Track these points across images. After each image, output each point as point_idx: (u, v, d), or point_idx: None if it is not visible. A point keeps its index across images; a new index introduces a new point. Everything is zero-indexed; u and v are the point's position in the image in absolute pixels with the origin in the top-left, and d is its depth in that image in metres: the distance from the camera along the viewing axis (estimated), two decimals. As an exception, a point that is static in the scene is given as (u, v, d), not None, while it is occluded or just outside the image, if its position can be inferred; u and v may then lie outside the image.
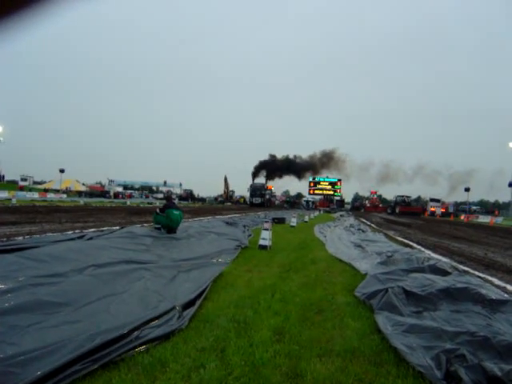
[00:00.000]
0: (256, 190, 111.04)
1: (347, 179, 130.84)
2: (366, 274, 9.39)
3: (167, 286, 7.29)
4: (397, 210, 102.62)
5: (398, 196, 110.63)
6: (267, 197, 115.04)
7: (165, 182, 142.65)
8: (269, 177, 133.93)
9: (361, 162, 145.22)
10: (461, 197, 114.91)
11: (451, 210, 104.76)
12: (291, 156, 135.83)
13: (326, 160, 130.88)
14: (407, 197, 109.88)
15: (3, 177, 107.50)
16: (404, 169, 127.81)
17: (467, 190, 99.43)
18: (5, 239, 12.12)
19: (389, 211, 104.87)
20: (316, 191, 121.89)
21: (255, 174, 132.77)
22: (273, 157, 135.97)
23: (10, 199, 52.09)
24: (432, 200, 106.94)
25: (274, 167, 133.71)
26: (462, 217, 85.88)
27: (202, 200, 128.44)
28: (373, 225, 36.65)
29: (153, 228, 15.25)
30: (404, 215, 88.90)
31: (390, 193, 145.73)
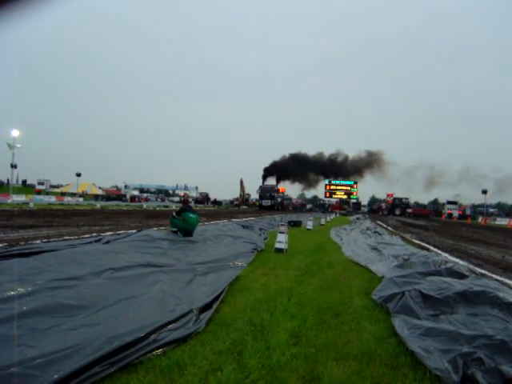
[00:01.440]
0: (265, 192, 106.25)
1: (391, 184, 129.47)
2: (382, 277, 9.37)
3: (184, 289, 7.32)
4: (397, 212, 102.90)
5: (396, 198, 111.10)
6: (278, 199, 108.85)
7: (185, 186, 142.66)
8: (281, 178, 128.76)
9: (406, 165, 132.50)
10: (478, 199, 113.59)
11: (468, 212, 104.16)
12: (312, 154, 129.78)
13: (371, 162, 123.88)
14: (405, 198, 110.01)
15: (25, 181, 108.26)
16: (449, 172, 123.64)
17: (484, 192, 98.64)
18: (23, 243, 12.21)
19: (385, 213, 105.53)
20: (332, 194, 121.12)
21: (265, 177, 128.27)
22: (291, 156, 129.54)
23: (28, 203, 52.42)
24: (449, 202, 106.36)
25: (289, 167, 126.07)
26: (480, 219, 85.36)
27: (218, 203, 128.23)
28: (389, 227, 36.47)
29: (169, 231, 15.28)
30: (402, 216, 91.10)
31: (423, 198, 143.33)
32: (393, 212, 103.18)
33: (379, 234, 24.79)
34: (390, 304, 6.98)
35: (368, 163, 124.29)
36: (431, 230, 36.76)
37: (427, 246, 19.62)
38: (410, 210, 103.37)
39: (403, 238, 22.81)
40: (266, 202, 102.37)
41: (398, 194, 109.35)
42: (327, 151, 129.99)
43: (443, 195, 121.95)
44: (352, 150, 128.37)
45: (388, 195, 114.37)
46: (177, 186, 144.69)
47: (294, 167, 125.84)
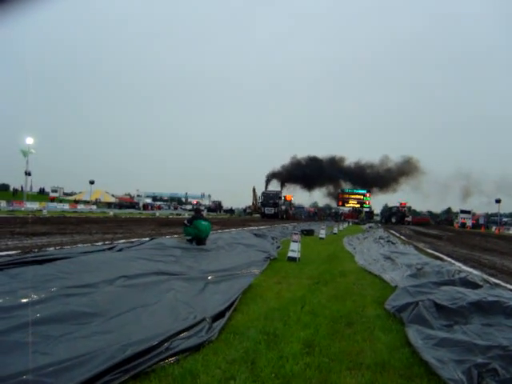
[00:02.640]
0: (268, 199, 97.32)
1: (425, 196, 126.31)
2: (395, 287, 9.33)
3: (197, 297, 7.32)
4: (393, 220, 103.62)
5: (393, 206, 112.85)
6: (282, 207, 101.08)
7: (203, 195, 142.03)
8: (286, 184, 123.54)
9: (438, 174, 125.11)
10: (492, 208, 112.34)
11: (482, 221, 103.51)
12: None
13: (405, 170, 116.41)
14: (402, 207, 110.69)
15: (43, 189, 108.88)
16: (486, 181, 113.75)
17: (498, 201, 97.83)
18: (37, 250, 12.27)
19: (383, 221, 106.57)
20: (345, 203, 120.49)
21: (268, 182, 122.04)
22: (310, 159, 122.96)
23: (41, 210, 52.68)
24: (462, 212, 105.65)
25: (305, 172, 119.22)
26: (493, 228, 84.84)
27: (231, 211, 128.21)
28: (402, 237, 36.38)
29: (183, 240, 15.29)
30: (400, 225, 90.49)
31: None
32: (390, 220, 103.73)
33: (392, 243, 24.72)
34: (403, 314, 6.95)
35: (403, 171, 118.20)
36: (444, 240, 36.64)
37: (441, 255, 19.56)
38: (409, 219, 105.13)
39: (416, 248, 22.72)
40: (269, 210, 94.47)
41: (431, 205, 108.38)
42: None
43: (477, 205, 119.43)
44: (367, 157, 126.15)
45: (401, 204, 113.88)
46: (186, 194, 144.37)
47: (312, 171, 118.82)
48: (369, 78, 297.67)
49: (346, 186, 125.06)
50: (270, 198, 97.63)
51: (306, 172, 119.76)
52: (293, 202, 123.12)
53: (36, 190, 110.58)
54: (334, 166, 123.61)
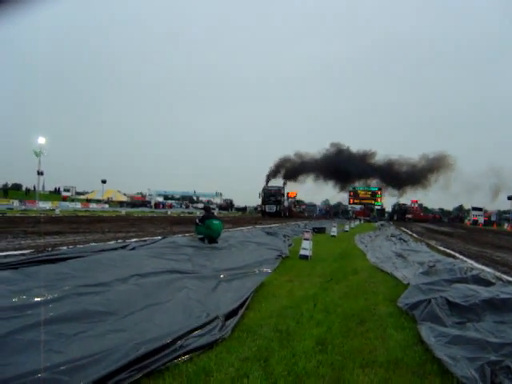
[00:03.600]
0: (270, 196, 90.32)
1: (454, 195, 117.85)
2: (408, 284, 9.31)
3: (209, 295, 7.34)
4: (394, 217, 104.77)
5: (396, 204, 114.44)
6: (285, 204, 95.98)
7: (217, 193, 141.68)
8: (291, 178, 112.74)
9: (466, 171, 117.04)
10: (504, 205, 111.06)
11: (494, 218, 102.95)
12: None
13: (434, 166, 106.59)
14: (403, 204, 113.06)
15: (58, 189, 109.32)
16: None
17: (510, 198, 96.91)
18: (50, 249, 12.33)
19: (388, 218, 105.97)
20: (356, 200, 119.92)
21: (269, 177, 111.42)
22: (337, 152, 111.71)
23: (54, 209, 52.88)
24: (474, 209, 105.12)
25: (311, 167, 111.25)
26: (506, 226, 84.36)
27: (243, 209, 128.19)
28: (414, 234, 36.27)
29: (195, 238, 15.33)
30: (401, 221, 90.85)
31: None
32: (393, 218, 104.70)
33: (404, 241, 24.67)
34: (415, 311, 6.94)
35: (431, 168, 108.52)
36: (456, 237, 36.50)
37: (452, 252, 19.50)
38: (409, 216, 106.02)
39: (428, 245, 22.66)
40: (271, 208, 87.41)
41: (446, 202, 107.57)
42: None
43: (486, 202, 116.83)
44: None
45: (412, 201, 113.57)
46: (194, 192, 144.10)
47: (341, 164, 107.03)
48: (391, 76, 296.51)
49: (375, 184, 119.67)
50: (272, 195, 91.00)
51: (335, 165, 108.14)
52: (298, 198, 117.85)
53: (49, 189, 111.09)
54: (363, 160, 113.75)
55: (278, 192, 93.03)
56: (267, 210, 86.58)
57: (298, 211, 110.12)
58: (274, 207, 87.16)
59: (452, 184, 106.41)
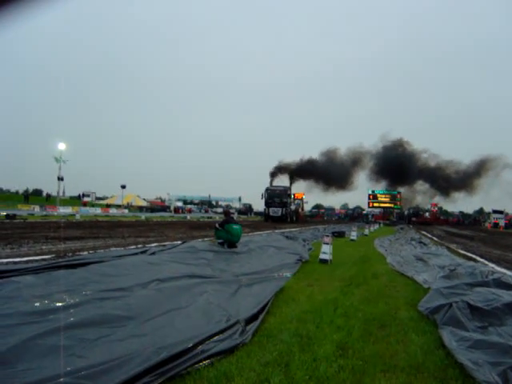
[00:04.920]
0: (274, 197, 75.19)
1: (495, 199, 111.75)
2: (428, 288, 9.27)
3: (229, 300, 7.35)
4: (406, 221, 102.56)
5: (410, 208, 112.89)
6: (292, 207, 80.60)
7: (240, 199, 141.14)
8: (300, 178, 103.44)
9: None
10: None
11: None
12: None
13: (482, 170, 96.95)
14: (417, 208, 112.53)
15: (83, 195, 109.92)
16: None
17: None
18: (70, 254, 12.41)
19: (394, 220, 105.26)
20: (375, 204, 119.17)
21: (275, 174, 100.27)
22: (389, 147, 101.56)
23: (74, 215, 53.20)
24: (495, 211, 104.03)
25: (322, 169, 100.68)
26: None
27: (262, 214, 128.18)
28: (434, 238, 36.06)
29: (215, 243, 15.37)
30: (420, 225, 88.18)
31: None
32: (409, 221, 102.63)
33: (424, 245, 24.55)
34: (436, 315, 6.90)
35: (478, 172, 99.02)
36: (477, 240, 36.21)
37: (473, 256, 19.32)
38: (414, 219, 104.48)
39: (449, 249, 22.51)
40: (275, 212, 73.36)
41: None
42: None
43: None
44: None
45: (432, 205, 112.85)
46: (209, 196, 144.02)
47: (386, 164, 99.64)
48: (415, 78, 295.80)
49: (421, 188, 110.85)
50: (277, 196, 75.73)
51: (391, 162, 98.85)
52: (305, 199, 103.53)
53: (70, 194, 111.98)
54: (411, 162, 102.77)
55: (284, 193, 77.53)
56: (271, 213, 73.72)
57: (305, 215, 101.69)
58: (280, 210, 73.50)
59: (493, 187, 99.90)
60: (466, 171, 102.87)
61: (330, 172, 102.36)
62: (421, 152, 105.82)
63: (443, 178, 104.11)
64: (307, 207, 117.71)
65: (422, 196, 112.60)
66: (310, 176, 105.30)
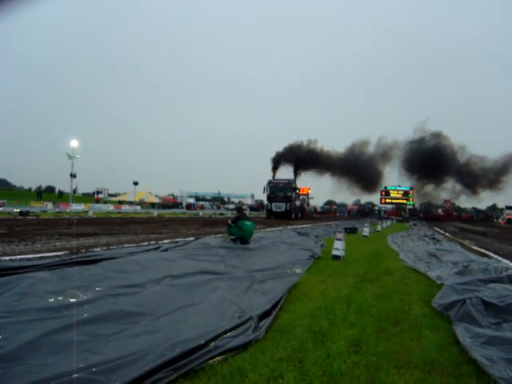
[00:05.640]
0: (277, 191, 68.90)
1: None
2: (442, 285, 9.23)
3: (242, 296, 7.35)
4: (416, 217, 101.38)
5: (423, 204, 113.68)
6: (297, 202, 73.96)
7: (252, 195, 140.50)
8: (305, 168, 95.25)
9: None
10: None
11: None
12: None
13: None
14: (429, 204, 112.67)
15: (99, 192, 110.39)
16: None
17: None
18: (84, 250, 12.45)
19: (406, 216, 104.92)
20: (388, 200, 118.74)
21: (277, 164, 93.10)
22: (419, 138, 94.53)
23: (87, 211, 53.46)
24: (508, 207, 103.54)
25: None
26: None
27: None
28: (447, 234, 35.92)
29: (227, 239, 15.38)
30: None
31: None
32: (420, 218, 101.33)
33: (437, 241, 24.47)
34: (450, 312, 6.87)
35: (506, 168, 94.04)
36: (490, 236, 36.01)
37: (487, 252, 19.20)
38: (426, 215, 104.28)
39: (462, 245, 22.42)
40: (279, 207, 67.06)
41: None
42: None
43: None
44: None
45: (445, 201, 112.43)
46: (219, 192, 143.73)
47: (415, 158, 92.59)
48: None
49: (452, 187, 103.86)
50: (280, 190, 69.28)
51: (424, 157, 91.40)
52: (311, 195, 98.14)
53: (82, 191, 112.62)
54: (447, 158, 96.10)
55: (288, 186, 70.65)
56: (274, 208, 67.26)
57: (310, 211, 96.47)
58: (283, 206, 66.96)
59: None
60: (492, 167, 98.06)
61: (357, 168, 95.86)
62: (456, 146, 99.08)
63: (470, 174, 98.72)
64: (318, 203, 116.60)
65: (447, 193, 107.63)
66: (324, 168, 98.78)
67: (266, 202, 73.03)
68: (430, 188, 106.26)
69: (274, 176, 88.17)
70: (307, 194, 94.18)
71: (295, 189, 74.73)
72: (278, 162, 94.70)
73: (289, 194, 68.98)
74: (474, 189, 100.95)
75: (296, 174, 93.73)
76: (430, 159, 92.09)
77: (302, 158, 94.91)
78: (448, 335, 5.91)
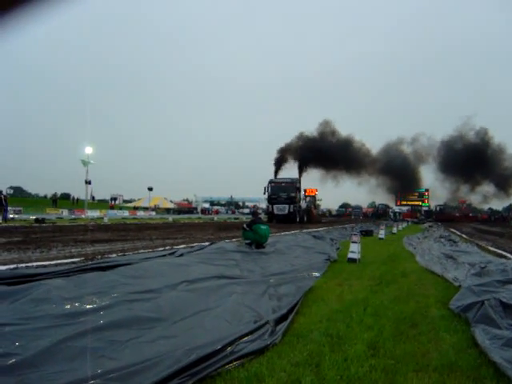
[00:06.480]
0: (279, 191, 60.40)
1: None
2: (459, 286, 9.17)
3: (258, 300, 7.33)
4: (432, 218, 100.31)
5: (438, 205, 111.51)
6: (302, 204, 66.11)
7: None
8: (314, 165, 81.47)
9: None
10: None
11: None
12: None
13: None
14: (441, 205, 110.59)
15: (115, 198, 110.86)
16: None
17: None
18: (99, 257, 12.50)
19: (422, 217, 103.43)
20: (403, 202, 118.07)
21: (280, 161, 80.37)
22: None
23: (102, 218, 53.72)
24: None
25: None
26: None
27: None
28: (463, 235, 35.70)
29: (242, 243, 15.38)
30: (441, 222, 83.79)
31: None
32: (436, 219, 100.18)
33: (454, 242, 24.32)
34: (468, 313, 6.81)
35: None
36: (507, 237, 35.76)
37: (504, 253, 19.05)
38: (442, 216, 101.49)
39: (478, 246, 22.28)
40: (281, 209, 58.57)
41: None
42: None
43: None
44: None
45: (460, 202, 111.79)
46: (231, 197, 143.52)
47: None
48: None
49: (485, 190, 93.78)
50: (283, 190, 60.62)
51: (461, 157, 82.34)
52: (317, 197, 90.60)
53: (98, 198, 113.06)
54: (489, 160, 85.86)
55: (292, 186, 61.84)
56: (276, 211, 59.15)
57: (318, 214, 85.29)
58: (286, 208, 58.50)
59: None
60: None
61: (395, 169, 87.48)
62: (497, 146, 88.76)
63: (505, 175, 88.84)
64: (331, 206, 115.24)
65: (478, 196, 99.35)
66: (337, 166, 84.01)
67: (267, 204, 64.08)
68: (465, 190, 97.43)
69: (275, 175, 76.66)
70: (315, 196, 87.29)
71: (299, 188, 65.71)
72: (282, 157, 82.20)
73: (292, 194, 60.29)
74: (507, 191, 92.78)
75: (301, 172, 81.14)
76: (472, 159, 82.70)
77: (315, 152, 79.69)
78: (466, 337, 5.86)
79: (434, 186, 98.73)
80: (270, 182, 62.98)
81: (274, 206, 59.35)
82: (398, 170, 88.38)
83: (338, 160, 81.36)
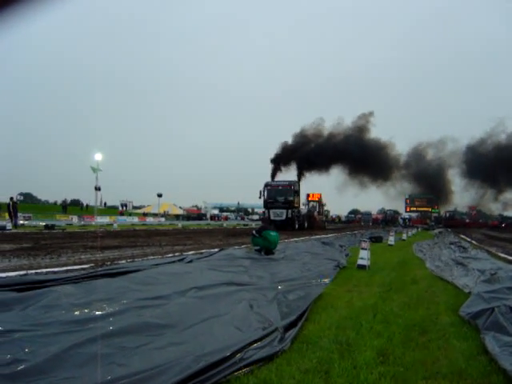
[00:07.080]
0: (276, 195, 55.38)
1: None
2: (469, 293, 9.13)
3: (267, 307, 7.31)
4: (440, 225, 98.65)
5: (447, 211, 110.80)
6: (302, 209, 62.19)
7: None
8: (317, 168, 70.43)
9: None
10: None
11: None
12: None
13: None
14: (450, 211, 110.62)
15: (126, 205, 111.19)
16: None
17: None
18: (109, 263, 12.53)
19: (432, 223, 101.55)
20: (412, 208, 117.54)
21: (277, 164, 68.78)
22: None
23: (112, 224, 53.83)
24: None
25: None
26: None
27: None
28: (473, 241, 35.54)
29: (252, 250, 15.37)
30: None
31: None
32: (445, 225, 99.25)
33: (464, 248, 24.21)
34: (478, 320, 6.78)
35: None
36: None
37: (514, 259, 18.98)
38: (451, 222, 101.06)
39: (488, 252, 22.18)
40: (278, 215, 53.93)
41: None
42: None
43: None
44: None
45: (471, 208, 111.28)
46: (238, 203, 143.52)
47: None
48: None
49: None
50: (280, 194, 55.63)
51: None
52: (323, 201, 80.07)
53: (108, 204, 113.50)
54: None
55: (289, 189, 56.47)
56: (272, 217, 54.08)
57: (322, 220, 76.23)
58: (284, 213, 53.92)
59: None
60: None
61: (423, 174, 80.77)
62: None
63: None
64: (340, 212, 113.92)
65: (499, 204, 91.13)
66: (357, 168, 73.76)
67: (263, 209, 59.61)
68: (489, 197, 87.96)
69: (272, 177, 66.81)
70: (319, 201, 78.93)
71: (298, 192, 59.93)
72: (280, 156, 71.45)
73: (290, 198, 55.31)
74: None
75: (300, 174, 70.94)
76: (502, 163, 72.50)
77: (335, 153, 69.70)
78: (476, 344, 5.83)
79: (456, 191, 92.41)
80: (266, 184, 57.59)
81: (271, 211, 54.99)
82: (431, 176, 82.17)
83: (368, 164, 71.51)
